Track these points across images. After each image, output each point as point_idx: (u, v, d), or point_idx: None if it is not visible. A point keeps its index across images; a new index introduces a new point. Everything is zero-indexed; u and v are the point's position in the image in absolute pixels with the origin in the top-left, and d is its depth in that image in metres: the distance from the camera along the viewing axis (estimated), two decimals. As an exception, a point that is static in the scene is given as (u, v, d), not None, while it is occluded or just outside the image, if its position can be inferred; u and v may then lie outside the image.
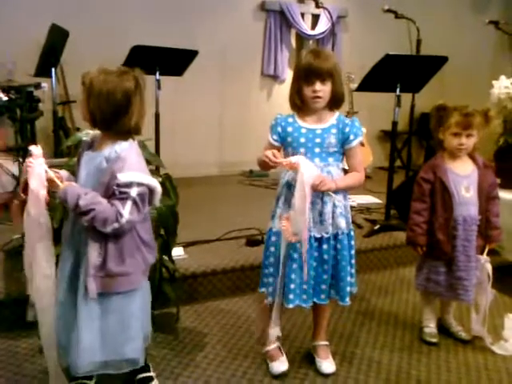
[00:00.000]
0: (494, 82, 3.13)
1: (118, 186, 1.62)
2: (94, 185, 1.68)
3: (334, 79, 1.91)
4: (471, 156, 2.29)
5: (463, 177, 2.25)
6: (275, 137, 2.00)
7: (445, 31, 5.96)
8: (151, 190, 1.70)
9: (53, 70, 3.63)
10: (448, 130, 2.22)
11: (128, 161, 1.65)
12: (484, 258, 2.28)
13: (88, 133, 2.32)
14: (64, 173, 1.75)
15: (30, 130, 3.97)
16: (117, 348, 1.73)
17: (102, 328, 1.72)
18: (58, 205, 1.81)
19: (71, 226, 1.76)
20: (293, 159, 1.85)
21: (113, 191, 1.63)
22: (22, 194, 1.68)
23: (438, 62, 3.36)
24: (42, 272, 1.68)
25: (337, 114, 2.01)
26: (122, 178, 1.61)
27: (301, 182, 1.80)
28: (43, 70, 3.65)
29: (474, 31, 6.00)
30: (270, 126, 2.04)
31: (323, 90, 1.90)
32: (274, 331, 2.02)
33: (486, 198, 2.28)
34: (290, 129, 1.98)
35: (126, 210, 1.62)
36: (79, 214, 1.63)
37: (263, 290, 2.07)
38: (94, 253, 1.67)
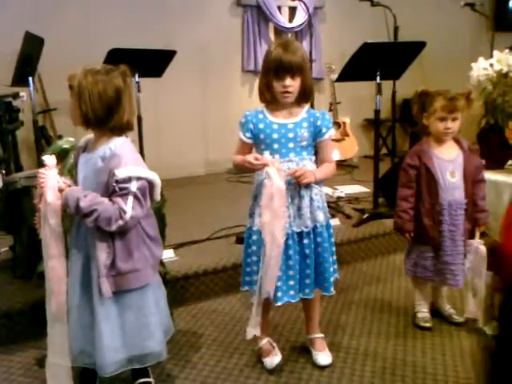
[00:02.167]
0: (472, 65, 3.14)
1: (117, 182, 1.62)
2: (93, 186, 1.68)
3: (304, 73, 1.90)
4: (456, 140, 2.29)
5: (448, 161, 2.26)
6: (248, 134, 1.97)
7: (421, 16, 5.97)
8: (150, 184, 1.71)
9: (30, 78, 3.57)
10: (433, 114, 2.22)
11: (124, 156, 1.66)
12: (477, 241, 2.28)
13: (69, 140, 2.31)
14: (67, 180, 1.75)
15: (12, 140, 3.93)
16: (138, 343, 1.75)
17: (121, 326, 1.73)
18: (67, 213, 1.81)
19: (76, 230, 1.76)
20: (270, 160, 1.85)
21: (113, 189, 1.63)
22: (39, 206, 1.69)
23: (416, 47, 3.36)
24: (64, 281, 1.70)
25: (306, 107, 1.99)
26: (120, 173, 1.62)
27: (277, 187, 1.79)
28: (20, 79, 3.60)
29: (451, 14, 6.03)
30: (239, 123, 2.00)
31: (293, 85, 1.88)
32: (251, 331, 1.94)
33: (472, 182, 2.28)
34: (261, 125, 1.95)
35: (129, 206, 1.63)
36: (82, 217, 1.64)
37: (246, 288, 2.06)
38: (103, 253, 1.67)
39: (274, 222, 1.79)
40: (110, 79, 1.66)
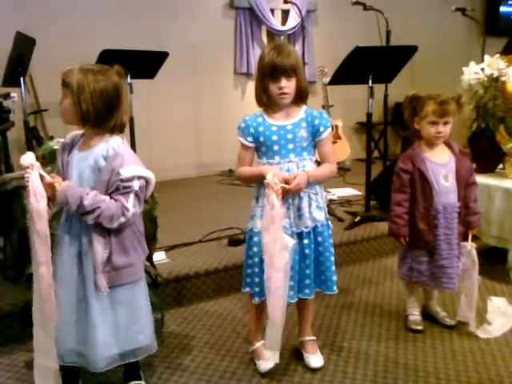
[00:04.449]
0: (464, 69, 3.16)
1: (122, 181, 1.65)
2: (90, 184, 1.69)
3: (298, 74, 1.92)
4: (447, 144, 2.30)
5: (441, 165, 2.26)
6: (250, 139, 1.98)
7: (413, 20, 6.01)
8: (147, 182, 1.74)
9: (21, 79, 3.55)
10: (425, 119, 2.22)
11: (126, 156, 1.70)
12: (470, 244, 2.29)
13: (60, 141, 2.29)
14: (56, 177, 1.72)
15: (2, 141, 3.90)
16: (131, 338, 1.77)
17: (114, 321, 1.75)
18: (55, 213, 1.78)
19: (68, 227, 1.74)
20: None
21: (116, 187, 1.66)
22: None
23: (408, 51, 3.39)
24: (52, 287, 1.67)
25: (304, 107, 2.01)
26: (125, 173, 1.65)
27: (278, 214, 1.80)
28: (11, 79, 3.57)
29: (443, 19, 6.07)
30: (238, 129, 2.01)
31: (289, 86, 1.91)
32: (270, 355, 1.98)
33: (465, 185, 2.30)
34: (261, 128, 1.97)
35: (130, 204, 1.68)
36: (83, 214, 1.64)
37: (247, 289, 2.06)
38: (100, 249, 1.68)
39: (274, 244, 1.79)
40: (109, 77, 1.67)
